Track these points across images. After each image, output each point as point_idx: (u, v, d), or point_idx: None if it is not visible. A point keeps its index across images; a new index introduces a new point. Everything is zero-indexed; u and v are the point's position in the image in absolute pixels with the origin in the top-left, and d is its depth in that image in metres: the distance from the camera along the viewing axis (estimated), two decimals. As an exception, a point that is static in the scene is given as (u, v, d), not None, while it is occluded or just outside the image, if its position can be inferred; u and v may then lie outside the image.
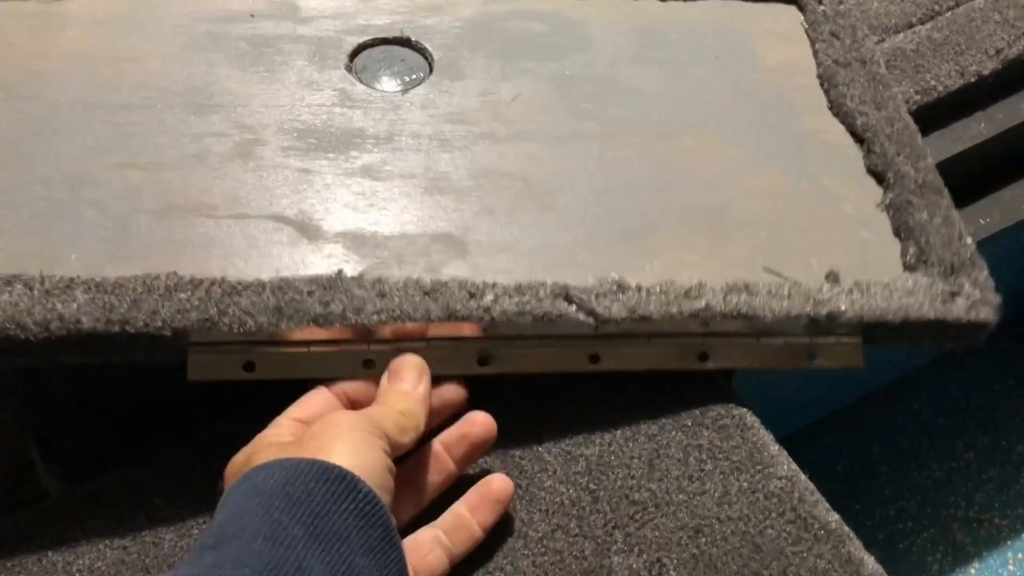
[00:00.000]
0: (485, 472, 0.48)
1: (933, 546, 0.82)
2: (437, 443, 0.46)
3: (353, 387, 0.46)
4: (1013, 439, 0.88)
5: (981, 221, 0.67)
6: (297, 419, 0.44)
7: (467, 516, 0.45)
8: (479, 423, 0.47)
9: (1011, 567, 0.80)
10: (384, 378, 0.46)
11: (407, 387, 0.45)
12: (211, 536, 0.37)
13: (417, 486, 0.46)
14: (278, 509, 0.37)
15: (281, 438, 0.43)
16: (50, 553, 0.48)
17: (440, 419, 0.47)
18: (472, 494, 0.46)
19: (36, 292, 0.45)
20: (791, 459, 0.50)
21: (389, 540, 0.39)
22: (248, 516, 0.37)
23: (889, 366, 0.93)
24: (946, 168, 0.65)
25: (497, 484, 0.46)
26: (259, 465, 0.39)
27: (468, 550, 0.45)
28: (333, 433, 0.41)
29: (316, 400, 0.45)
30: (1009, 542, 0.81)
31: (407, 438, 0.43)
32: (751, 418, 0.51)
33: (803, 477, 0.49)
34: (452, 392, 0.47)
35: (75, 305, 0.44)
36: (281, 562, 0.35)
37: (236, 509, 0.38)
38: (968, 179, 0.68)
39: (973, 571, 0.80)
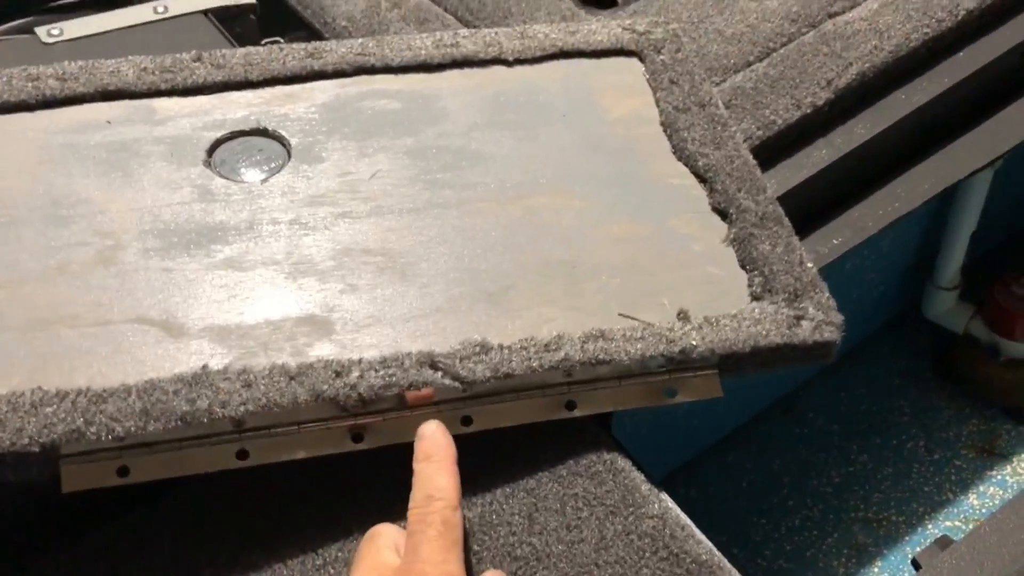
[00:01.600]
0: None
1: (838, 551, 0.85)
2: None
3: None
4: (903, 437, 0.92)
5: (835, 240, 0.71)
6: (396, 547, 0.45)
7: None
8: None
9: (911, 563, 0.84)
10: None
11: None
12: None
13: None
14: None
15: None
16: None
17: None
18: None
19: (-101, 423, 0.45)
20: (662, 496, 0.52)
21: None
22: None
23: (783, 379, 0.97)
24: (794, 195, 0.70)
25: None
26: None
27: None
28: None
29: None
30: (907, 538, 0.85)
31: None
32: (622, 461, 0.53)
33: (675, 512, 0.51)
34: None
35: (-61, 431, 0.45)
36: None
37: None
38: (817, 202, 0.72)
39: (875, 570, 0.84)
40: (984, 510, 0.86)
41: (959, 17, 0.75)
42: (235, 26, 0.88)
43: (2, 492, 0.48)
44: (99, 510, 0.51)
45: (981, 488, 0.87)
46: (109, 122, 0.62)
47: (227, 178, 0.59)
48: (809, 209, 0.71)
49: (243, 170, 0.60)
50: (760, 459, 0.93)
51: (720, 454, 0.94)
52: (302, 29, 0.89)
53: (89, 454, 0.46)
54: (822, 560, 0.85)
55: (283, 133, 0.62)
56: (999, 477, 0.88)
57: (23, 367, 0.49)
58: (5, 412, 0.46)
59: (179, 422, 0.46)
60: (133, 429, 0.46)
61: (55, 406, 0.46)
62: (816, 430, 0.95)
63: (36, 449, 0.45)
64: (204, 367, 0.48)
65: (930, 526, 0.85)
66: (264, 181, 0.60)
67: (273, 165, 0.61)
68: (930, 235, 0.90)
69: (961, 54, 0.76)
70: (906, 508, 0.87)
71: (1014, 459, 0.89)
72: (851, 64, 0.72)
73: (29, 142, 0.60)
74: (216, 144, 0.61)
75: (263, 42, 0.92)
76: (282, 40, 0.93)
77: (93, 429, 0.45)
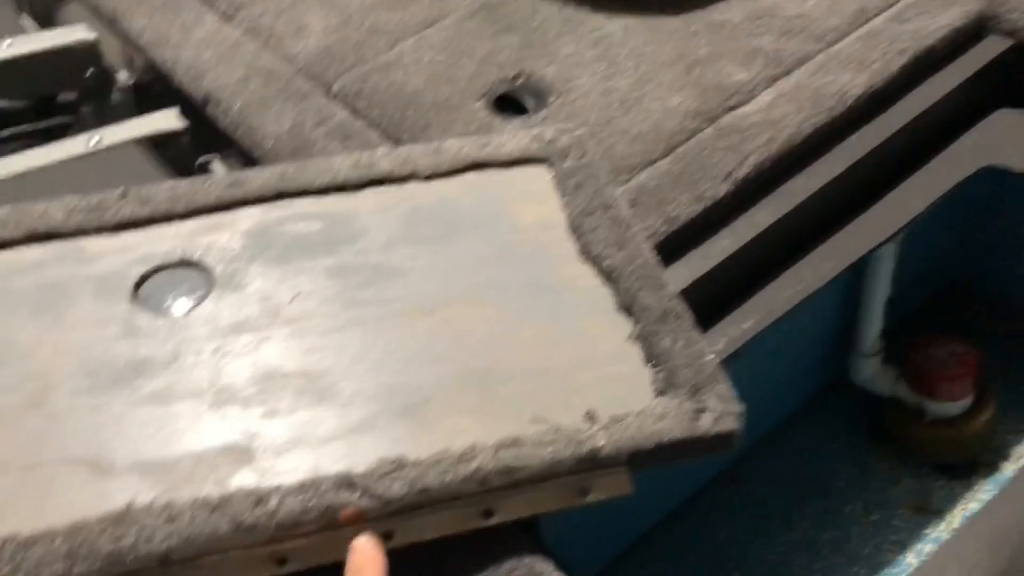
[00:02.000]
0: None
1: (785, 621, 0.87)
2: None
3: None
4: (842, 500, 0.95)
5: (744, 325, 0.74)
6: None
7: None
8: None
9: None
10: None
11: None
12: None
13: None
14: None
15: None
16: None
17: None
18: None
19: None
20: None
21: None
22: None
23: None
24: (702, 284, 0.74)
25: None
26: None
27: None
28: None
29: None
30: (851, 602, 0.87)
31: None
32: (540, 565, 0.55)
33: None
34: None
35: None
36: None
37: None
38: (727, 288, 0.76)
39: (821, 638, 0.85)
40: (924, 568, 0.88)
41: (848, 104, 0.80)
42: (167, 151, 0.92)
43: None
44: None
45: (918, 546, 0.90)
46: (38, 264, 0.64)
47: (153, 312, 0.62)
48: (720, 296, 0.75)
49: (169, 303, 0.63)
50: (707, 531, 0.95)
51: (668, 528, 0.96)
52: (234, 146, 0.93)
53: (19, 599, 0.48)
54: (771, 629, 0.87)
55: (207, 263, 0.65)
56: (935, 535, 0.90)
57: (-47, 517, 0.50)
58: (-65, 565, 0.47)
59: (105, 562, 0.48)
60: (60, 572, 0.48)
61: (-17, 555, 0.48)
62: (759, 499, 0.97)
63: (-34, 599, 0.47)
64: (129, 504, 0.50)
65: (871, 589, 0.88)
66: (188, 312, 0.62)
67: (198, 295, 0.63)
68: (848, 305, 0.94)
69: (853, 138, 0.80)
70: (848, 571, 0.89)
71: (947, 515, 0.91)
72: (748, 156, 0.77)
73: (-41, 290, 0.62)
74: (143, 279, 0.64)
75: (198, 161, 0.96)
76: (218, 156, 0.97)
77: (21, 575, 0.47)
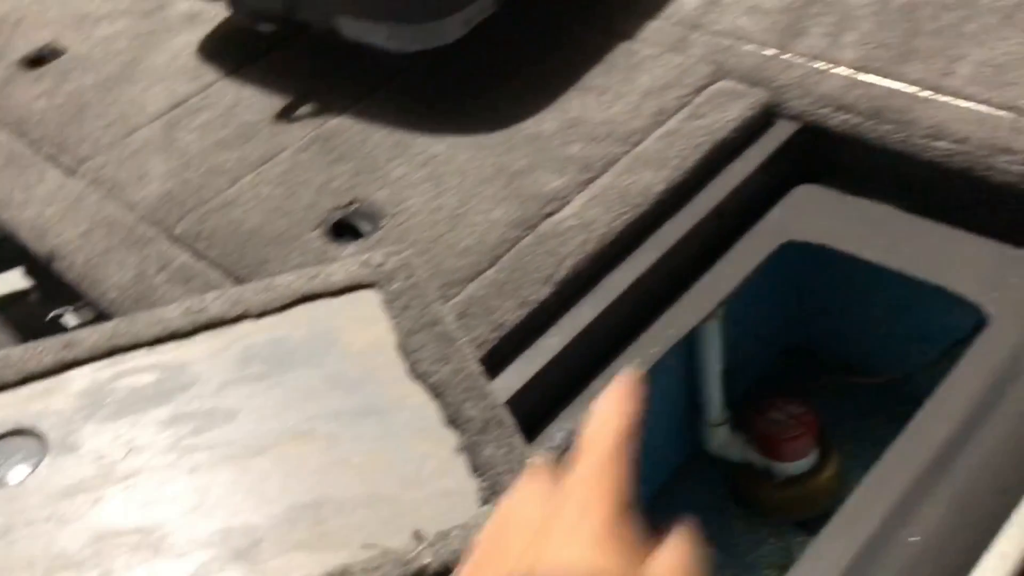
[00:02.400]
0: None
1: None
2: None
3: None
4: (714, 568, 0.98)
5: (581, 416, 0.78)
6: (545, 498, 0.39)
7: None
8: None
9: None
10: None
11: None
12: None
13: None
14: None
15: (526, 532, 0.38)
16: None
17: None
18: None
19: None
20: None
21: None
22: None
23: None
24: (535, 384, 0.78)
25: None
26: None
27: None
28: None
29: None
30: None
31: None
32: None
33: None
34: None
35: None
36: None
37: None
38: (560, 385, 0.80)
39: None
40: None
41: (652, 199, 0.86)
42: (15, 310, 0.93)
43: None
44: None
45: (786, 605, 0.93)
46: None
47: (-15, 485, 0.63)
48: (554, 393, 0.79)
49: (3, 472, 0.64)
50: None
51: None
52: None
53: None
54: None
55: (41, 429, 0.66)
56: (799, 591, 0.94)
57: None
58: None
59: None
60: None
61: None
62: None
63: None
64: None
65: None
66: (22, 482, 0.63)
67: (33, 461, 0.65)
68: (689, 380, 1.00)
69: (662, 229, 0.87)
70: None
71: (809, 570, 0.96)
72: (566, 258, 0.82)
73: None
74: (-26, 452, 0.65)
75: (50, 315, 0.97)
76: (71, 308, 0.98)
77: None
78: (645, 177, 0.87)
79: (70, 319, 0.97)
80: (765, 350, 1.10)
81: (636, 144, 0.91)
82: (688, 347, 0.96)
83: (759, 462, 0.99)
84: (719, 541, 1.01)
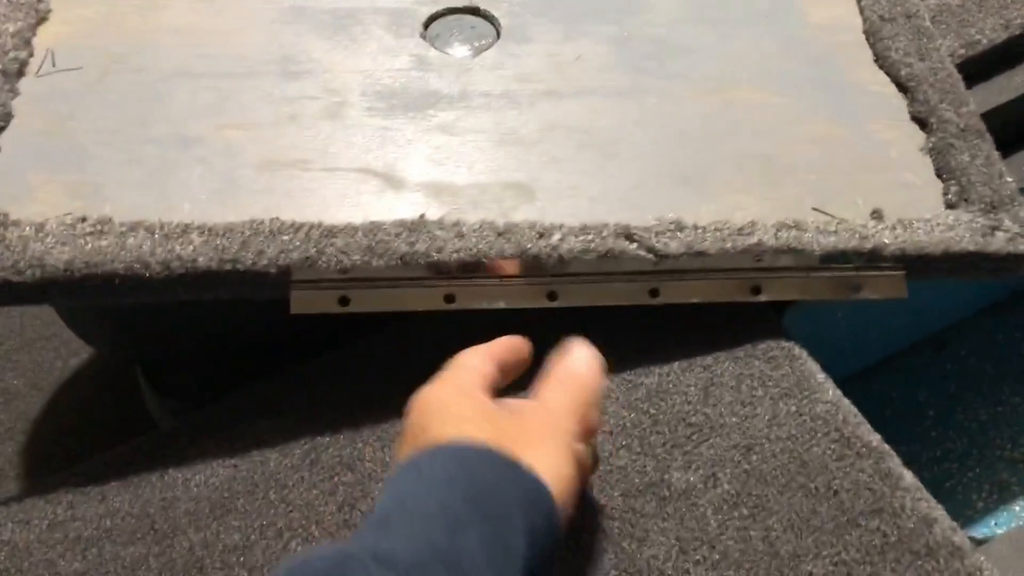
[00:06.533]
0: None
1: (979, 485, 0.85)
2: None
3: (515, 349, 0.46)
4: (1061, 385, 0.90)
5: (1026, 168, 0.69)
6: (493, 359, 0.44)
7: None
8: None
9: (1058, 504, 0.83)
10: (568, 365, 0.45)
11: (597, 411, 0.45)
12: (376, 515, 0.38)
13: None
14: (443, 489, 0.37)
15: (470, 404, 0.42)
16: (170, 470, 0.54)
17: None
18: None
19: (157, 236, 0.51)
20: (836, 386, 0.54)
21: (550, 530, 0.39)
22: (412, 498, 0.37)
23: (937, 316, 0.96)
24: (990, 118, 0.68)
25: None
26: (429, 452, 0.39)
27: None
28: (530, 436, 0.41)
29: (512, 346, 0.46)
30: (1055, 481, 0.84)
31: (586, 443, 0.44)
32: (799, 350, 0.55)
33: (847, 402, 0.53)
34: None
35: (191, 247, 0.50)
36: (439, 540, 0.36)
37: (400, 493, 0.38)
38: (1014, 128, 0.70)
39: (1017, 508, 0.83)
40: None
41: None
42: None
43: (243, 312, 0.53)
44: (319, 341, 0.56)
45: None
46: (333, -9, 0.66)
47: (440, 50, 0.63)
48: (1004, 135, 0.70)
49: (455, 45, 0.63)
50: (906, 390, 0.93)
51: (864, 382, 0.94)
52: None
53: (316, 282, 0.51)
54: (961, 492, 0.85)
55: (494, 13, 0.65)
56: None
57: (261, 200, 0.54)
58: (247, 235, 0.51)
59: (399, 261, 0.51)
60: (359, 263, 0.50)
61: (291, 235, 0.51)
62: (968, 369, 0.93)
63: (273, 271, 0.50)
64: (422, 216, 0.53)
65: (1081, 472, 0.84)
66: (474, 56, 0.63)
67: (483, 42, 0.64)
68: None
69: None
70: (1056, 453, 0.85)
71: None
72: (1069, -11, 0.70)
73: (264, 2, 0.64)
74: (431, 19, 0.65)
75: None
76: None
77: (324, 259, 0.50)
78: None
79: None
80: None
81: None
82: None
83: None
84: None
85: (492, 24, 0.65)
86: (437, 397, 0.42)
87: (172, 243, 0.51)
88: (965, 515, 0.84)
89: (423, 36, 0.64)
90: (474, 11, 0.65)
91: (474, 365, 0.43)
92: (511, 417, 0.42)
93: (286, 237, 0.51)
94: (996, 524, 0.83)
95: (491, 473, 0.38)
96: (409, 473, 0.39)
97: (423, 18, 0.64)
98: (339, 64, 0.61)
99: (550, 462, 0.40)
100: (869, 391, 0.94)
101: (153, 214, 0.52)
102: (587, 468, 0.46)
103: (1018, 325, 0.95)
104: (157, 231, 0.51)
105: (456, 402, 0.41)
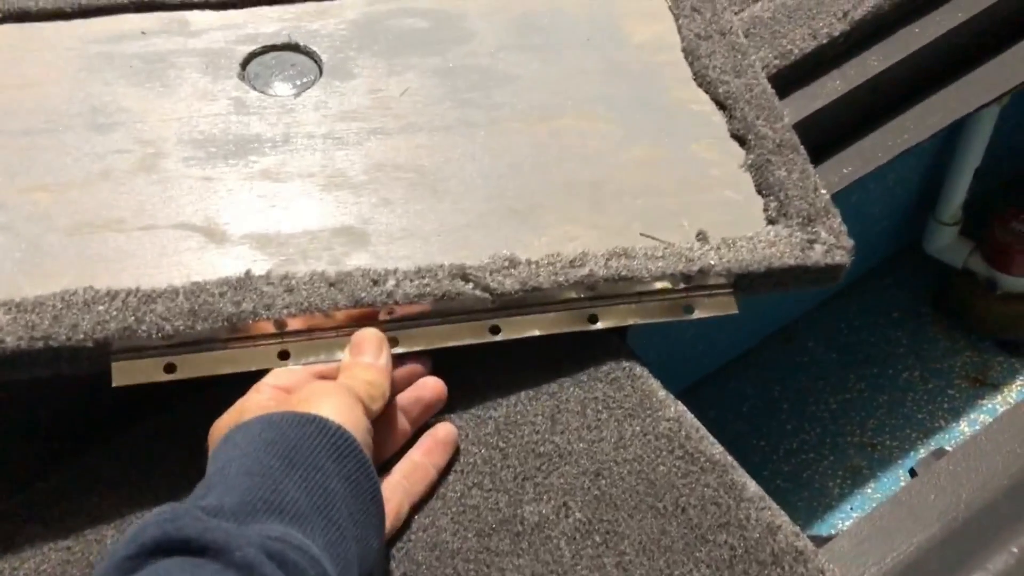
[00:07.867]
0: (429, 424, 0.53)
1: (833, 472, 0.89)
2: (396, 406, 0.51)
3: (320, 368, 0.50)
4: (899, 367, 0.96)
5: (844, 170, 0.73)
6: (277, 386, 0.48)
7: (422, 460, 0.50)
8: (431, 387, 0.52)
9: (903, 484, 0.88)
10: (347, 352, 0.50)
11: (370, 360, 0.49)
12: (200, 488, 0.42)
13: (379, 445, 0.50)
14: (257, 450, 0.42)
15: (264, 403, 0.47)
16: (-4, 561, 0.50)
17: (402, 388, 0.52)
18: (424, 440, 0.51)
19: (-42, 317, 0.47)
20: (678, 401, 0.55)
21: (364, 471, 0.44)
22: (230, 463, 0.42)
23: (783, 309, 1.00)
24: (808, 124, 0.72)
25: (443, 430, 0.52)
26: (239, 424, 0.44)
27: (425, 489, 0.50)
28: (318, 395, 0.46)
29: (292, 373, 0.50)
30: (900, 461, 0.89)
31: (376, 405, 0.48)
32: (639, 369, 0.56)
33: (690, 417, 0.54)
34: (413, 367, 0.53)
35: (-3, 326, 0.47)
36: (259, 486, 0.40)
37: (219, 462, 0.42)
38: (830, 132, 0.74)
39: (869, 491, 0.88)
40: (974, 437, 0.90)
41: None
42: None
43: (59, 385, 0.50)
44: (146, 403, 0.53)
45: (972, 416, 0.91)
46: (144, 33, 0.63)
47: (261, 91, 0.61)
48: (820, 139, 0.73)
49: (276, 84, 0.62)
50: (760, 385, 0.96)
51: (720, 380, 0.97)
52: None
53: (138, 350, 0.49)
54: (818, 481, 0.89)
55: (315, 49, 0.64)
56: (990, 406, 0.91)
57: (72, 267, 0.51)
58: (60, 309, 0.48)
59: (225, 323, 0.49)
60: (181, 328, 0.48)
61: (107, 304, 0.48)
62: (815, 359, 0.98)
63: (90, 344, 0.47)
64: (247, 272, 0.51)
65: (922, 450, 0.89)
66: (297, 96, 0.61)
67: (305, 80, 0.62)
68: (934, 171, 0.92)
69: (978, -10, 0.77)
70: (900, 433, 0.90)
71: (1004, 389, 0.92)
72: (868, -2, 0.73)
73: (67, 50, 0.61)
74: (249, 58, 0.63)
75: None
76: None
77: (144, 327, 0.48)
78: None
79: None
80: (1015, 158, 1.01)
81: None
82: (950, 132, 0.88)
83: (983, 272, 0.93)
84: (911, 343, 0.97)
85: (314, 61, 0.63)
86: (228, 415, 0.47)
87: (-26, 323, 0.47)
88: (823, 503, 0.88)
89: (242, 77, 0.62)
90: (294, 47, 0.64)
91: (256, 390, 0.48)
92: (299, 391, 0.47)
93: (101, 307, 0.48)
94: (852, 509, 0.87)
95: (297, 430, 0.43)
96: (225, 445, 0.43)
97: (240, 57, 0.62)
98: (152, 112, 0.59)
99: (338, 405, 0.45)
100: (726, 389, 0.97)
101: (-48, 291, 0.49)
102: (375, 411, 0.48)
103: (857, 312, 1.00)
104: (-43, 310, 0.48)
105: (249, 399, 0.47)
